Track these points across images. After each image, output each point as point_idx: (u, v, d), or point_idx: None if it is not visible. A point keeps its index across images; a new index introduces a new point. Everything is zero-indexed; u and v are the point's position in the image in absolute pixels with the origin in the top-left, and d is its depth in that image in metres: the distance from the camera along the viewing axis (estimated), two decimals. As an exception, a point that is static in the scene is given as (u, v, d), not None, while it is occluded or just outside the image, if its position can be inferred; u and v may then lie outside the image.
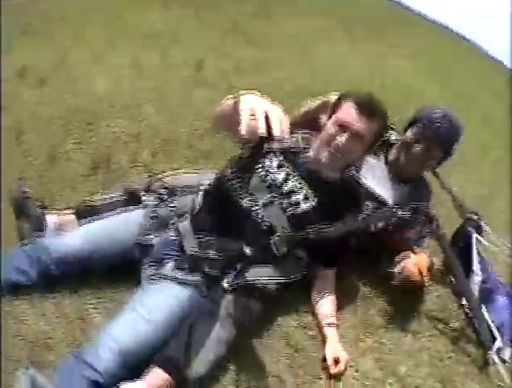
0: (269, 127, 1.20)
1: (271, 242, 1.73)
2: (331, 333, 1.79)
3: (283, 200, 1.75)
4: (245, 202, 1.74)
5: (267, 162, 1.80)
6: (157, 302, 1.54)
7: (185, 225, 1.75)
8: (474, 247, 2.17)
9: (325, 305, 1.87)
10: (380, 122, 1.77)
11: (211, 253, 1.68)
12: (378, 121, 1.76)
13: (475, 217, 2.28)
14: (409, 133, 2.07)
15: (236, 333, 1.61)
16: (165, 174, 2.02)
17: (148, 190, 1.95)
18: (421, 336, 1.91)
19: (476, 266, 2.12)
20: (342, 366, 1.69)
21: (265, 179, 1.77)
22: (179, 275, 1.63)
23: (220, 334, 1.56)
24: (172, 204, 1.85)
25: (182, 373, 1.45)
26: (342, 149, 1.74)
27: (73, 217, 1.88)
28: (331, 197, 1.78)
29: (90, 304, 1.70)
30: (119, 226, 1.80)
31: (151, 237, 1.77)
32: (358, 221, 1.88)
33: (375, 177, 2.10)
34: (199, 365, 1.49)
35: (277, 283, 1.75)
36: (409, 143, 2.06)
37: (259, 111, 1.22)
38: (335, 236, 1.81)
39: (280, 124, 1.21)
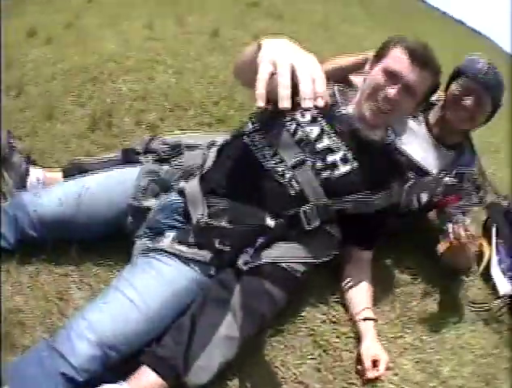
0: (295, 89, 0.86)
1: (301, 212, 1.39)
2: (367, 329, 1.46)
3: (317, 160, 1.43)
4: (270, 161, 1.41)
5: (298, 116, 1.48)
6: (151, 284, 1.22)
7: (192, 185, 1.40)
8: (493, 239, 1.99)
9: (360, 294, 1.55)
10: (434, 75, 1.49)
11: (225, 223, 1.33)
12: (432, 73, 1.48)
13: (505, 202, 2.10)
14: (454, 87, 1.81)
15: (252, 329, 1.27)
16: (169, 135, 1.69)
17: (147, 149, 1.62)
18: (463, 332, 1.64)
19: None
20: (381, 369, 1.36)
21: (295, 133, 1.45)
22: (181, 249, 1.30)
23: (230, 329, 1.22)
24: (176, 162, 1.52)
25: (179, 377, 1.14)
26: (392, 102, 1.45)
27: (60, 174, 1.62)
28: (373, 161, 1.48)
29: (72, 280, 1.41)
30: (109, 186, 1.46)
31: (148, 200, 1.43)
32: (404, 192, 1.58)
33: (416, 143, 1.83)
34: (202, 370, 1.16)
35: (305, 265, 1.42)
36: (456, 97, 1.79)
37: (283, 67, 0.88)
38: (376, 209, 1.51)
39: (313, 86, 0.87)
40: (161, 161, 1.55)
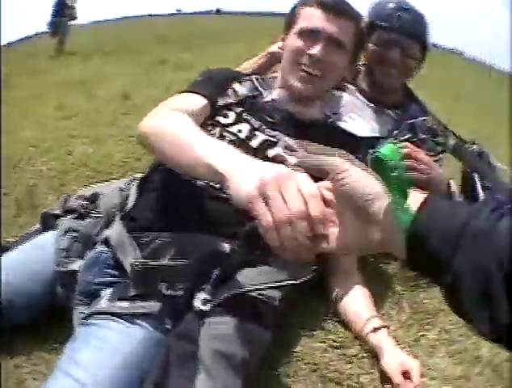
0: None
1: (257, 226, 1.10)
2: (382, 340, 1.22)
3: (257, 158, 1.09)
4: None
5: (221, 118, 1.32)
6: (96, 357, 0.96)
7: (115, 229, 1.15)
8: (478, 185, 1.77)
9: (357, 303, 1.31)
10: (354, 21, 1.38)
11: (167, 260, 1.07)
12: (351, 19, 1.37)
13: (474, 146, 1.78)
14: (372, 43, 1.66)
15: (234, 381, 0.97)
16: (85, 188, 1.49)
17: (65, 210, 1.37)
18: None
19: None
20: (415, 379, 1.12)
21: (221, 138, 1.26)
22: (122, 306, 1.03)
23: None
24: (95, 211, 1.30)
25: None
26: (320, 62, 1.32)
27: None
28: (319, 140, 1.14)
29: (26, 372, 1.18)
30: (27, 257, 1.21)
31: (74, 261, 1.18)
32: None
33: (357, 116, 1.67)
34: None
35: (282, 289, 1.13)
36: (378, 54, 1.65)
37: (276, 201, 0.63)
38: None
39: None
40: (81, 217, 1.29)
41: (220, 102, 1.34)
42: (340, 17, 1.33)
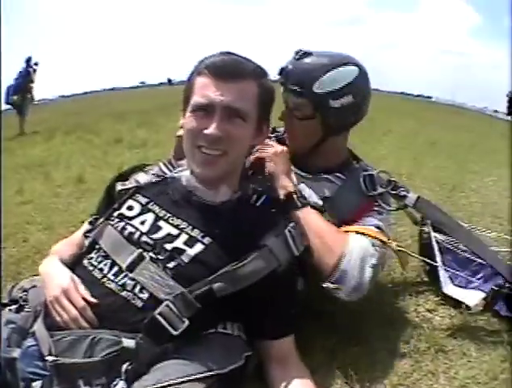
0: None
1: (156, 316, 1.09)
2: None
3: (157, 251, 1.18)
4: (108, 275, 1.17)
5: (126, 212, 1.29)
6: None
7: (38, 325, 1.16)
8: (435, 248, 1.86)
9: None
10: (256, 80, 1.23)
11: (80, 357, 1.07)
12: (252, 80, 1.22)
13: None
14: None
15: None
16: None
17: (11, 299, 1.39)
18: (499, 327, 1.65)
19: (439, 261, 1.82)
20: None
21: (123, 230, 1.24)
22: None
23: None
24: (28, 305, 1.29)
25: None
26: (219, 139, 1.18)
27: None
28: (229, 225, 1.21)
29: None
30: None
31: (14, 350, 1.16)
32: (286, 243, 1.21)
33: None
34: None
35: (204, 381, 1.05)
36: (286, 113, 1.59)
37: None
38: (266, 277, 1.16)
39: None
40: (18, 309, 1.30)
41: (120, 187, 1.38)
42: (235, 80, 1.19)
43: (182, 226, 1.22)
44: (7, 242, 2.73)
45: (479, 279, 1.75)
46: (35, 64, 9.93)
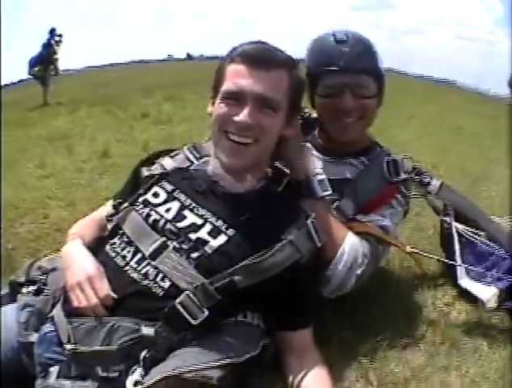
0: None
1: (177, 305, 1.09)
2: None
3: (181, 240, 1.17)
4: (130, 263, 1.17)
5: (151, 199, 1.27)
6: None
7: (57, 311, 1.16)
8: (456, 240, 1.82)
9: None
10: (288, 70, 1.22)
11: (98, 345, 1.07)
12: (284, 70, 1.20)
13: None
14: (318, 94, 1.49)
15: None
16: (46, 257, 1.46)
17: (28, 279, 1.36)
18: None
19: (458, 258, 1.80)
20: None
21: (148, 217, 1.23)
22: (65, 384, 1.06)
23: None
24: (46, 289, 1.28)
25: None
26: (249, 127, 1.17)
27: None
28: (253, 216, 1.19)
29: None
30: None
31: (31, 334, 1.17)
32: (308, 236, 1.21)
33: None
34: None
35: (222, 369, 1.05)
36: (328, 105, 1.48)
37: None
38: (282, 271, 1.16)
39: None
40: (39, 290, 1.28)
41: (147, 173, 1.35)
42: (268, 69, 1.17)
43: (206, 216, 1.21)
44: (26, 218, 2.66)
45: (493, 274, 1.74)
46: (59, 35, 9.82)
